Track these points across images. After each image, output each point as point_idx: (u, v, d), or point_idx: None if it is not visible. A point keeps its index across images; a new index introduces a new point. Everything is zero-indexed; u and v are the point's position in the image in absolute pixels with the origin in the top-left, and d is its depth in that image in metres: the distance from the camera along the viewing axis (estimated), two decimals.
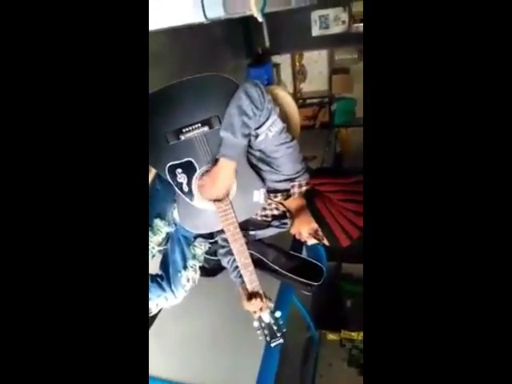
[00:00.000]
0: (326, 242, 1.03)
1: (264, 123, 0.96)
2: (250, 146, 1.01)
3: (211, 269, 1.42)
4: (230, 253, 1.08)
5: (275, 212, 1.17)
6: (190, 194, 1.01)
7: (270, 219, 1.19)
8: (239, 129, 0.91)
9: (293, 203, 1.10)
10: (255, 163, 1.04)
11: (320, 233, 1.03)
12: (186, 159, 0.99)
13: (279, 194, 1.09)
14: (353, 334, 2.54)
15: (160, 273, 1.26)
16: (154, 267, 1.28)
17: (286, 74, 4.02)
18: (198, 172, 1.00)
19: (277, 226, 1.19)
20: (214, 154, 0.99)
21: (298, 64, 4.01)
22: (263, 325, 1.06)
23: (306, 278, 1.34)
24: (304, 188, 1.06)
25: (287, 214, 1.13)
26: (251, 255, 1.07)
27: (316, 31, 3.23)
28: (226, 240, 1.05)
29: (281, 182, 1.06)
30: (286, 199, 1.09)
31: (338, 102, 4.03)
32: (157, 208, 1.15)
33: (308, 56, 3.98)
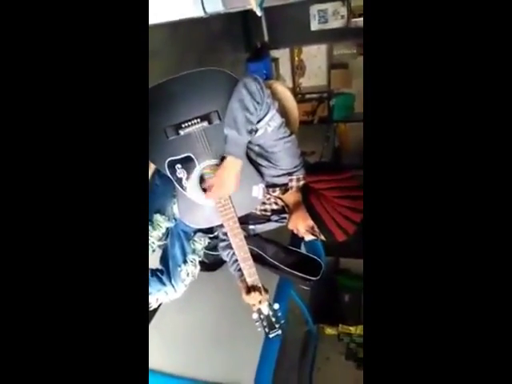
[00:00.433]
0: (322, 237, 1.05)
1: (263, 118, 0.96)
2: (249, 141, 1.01)
3: (211, 263, 1.43)
4: (229, 246, 1.09)
5: (274, 206, 1.18)
6: (189, 189, 1.01)
7: (269, 213, 1.20)
8: (243, 125, 0.91)
9: (290, 198, 1.10)
10: (254, 158, 1.05)
11: (316, 229, 1.04)
12: (185, 154, 0.99)
13: (278, 189, 1.09)
14: (350, 328, 2.56)
15: (160, 267, 1.26)
16: (154, 262, 1.29)
17: (284, 68, 3.99)
18: (199, 170, 1.00)
19: (276, 221, 1.20)
20: (213, 149, 0.99)
21: (296, 59, 3.99)
22: (262, 317, 1.08)
23: (305, 273, 1.36)
24: (302, 182, 1.07)
25: (286, 209, 1.13)
26: (250, 250, 1.08)
27: (315, 25, 3.21)
28: (226, 234, 1.06)
29: (279, 176, 1.06)
30: (284, 193, 1.10)
31: (337, 97, 4.02)
32: (156, 203, 1.15)
33: (307, 51, 3.95)
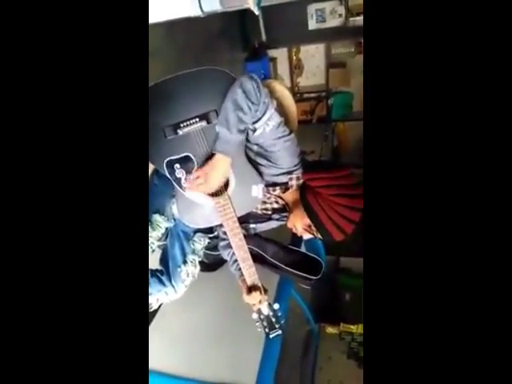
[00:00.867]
0: (319, 236, 1.04)
1: (261, 117, 0.96)
2: (247, 140, 1.01)
3: (211, 263, 1.43)
4: (230, 246, 1.08)
5: (275, 205, 1.17)
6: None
7: (270, 212, 1.20)
8: (235, 124, 0.91)
9: (289, 196, 1.10)
10: (253, 158, 1.04)
11: (313, 228, 1.03)
12: (183, 154, 0.99)
13: (278, 188, 1.09)
14: (352, 327, 2.56)
15: (160, 268, 1.26)
16: (153, 262, 1.28)
17: (282, 68, 3.99)
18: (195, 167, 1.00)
19: (277, 219, 1.20)
20: (211, 148, 0.98)
21: (294, 58, 3.99)
22: (262, 317, 1.07)
23: (305, 272, 1.35)
24: (302, 180, 1.07)
25: (287, 207, 1.13)
26: (250, 250, 1.07)
27: (313, 25, 3.21)
28: (226, 233, 1.05)
29: (279, 175, 1.06)
30: (284, 192, 1.10)
31: (335, 96, 4.02)
32: (156, 203, 1.15)
33: (305, 50, 3.95)
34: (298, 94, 4.10)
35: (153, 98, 0.94)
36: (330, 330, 2.63)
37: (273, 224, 1.23)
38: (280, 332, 1.08)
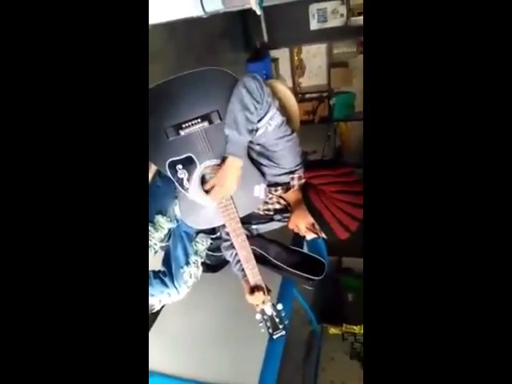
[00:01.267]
0: (323, 235, 1.03)
1: (263, 117, 0.95)
2: (250, 141, 1.00)
3: (213, 264, 1.42)
4: (232, 246, 1.08)
5: (277, 206, 1.17)
6: (190, 190, 1.01)
7: (272, 213, 1.19)
8: (243, 125, 0.91)
9: (291, 196, 1.09)
10: (255, 158, 1.04)
11: (316, 226, 1.02)
12: (186, 155, 0.98)
13: (280, 188, 1.08)
14: (354, 327, 2.55)
15: (162, 269, 1.26)
16: (156, 263, 1.28)
17: (284, 68, 3.99)
18: (200, 170, 0.99)
19: (279, 220, 1.19)
20: (214, 149, 0.98)
21: (296, 58, 3.99)
22: (265, 317, 1.07)
23: (308, 273, 1.34)
24: (304, 180, 1.06)
25: (289, 208, 1.13)
26: (253, 250, 1.07)
27: (314, 25, 3.21)
28: (228, 234, 1.05)
29: (281, 175, 1.05)
30: (286, 192, 1.09)
31: (337, 96, 4.01)
32: (158, 204, 1.14)
33: (306, 50, 3.95)
34: (299, 95, 4.10)
35: (155, 98, 0.94)
36: (333, 330, 2.61)
37: (275, 225, 1.22)
38: (284, 332, 1.07)
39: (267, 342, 1.42)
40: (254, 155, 1.04)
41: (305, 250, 1.53)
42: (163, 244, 1.24)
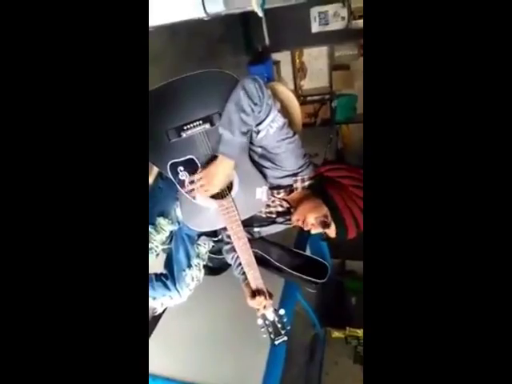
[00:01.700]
0: (332, 230, 0.99)
1: (264, 119, 0.95)
2: (251, 142, 1.00)
3: (215, 267, 1.42)
4: (234, 249, 1.07)
5: (279, 209, 1.16)
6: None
7: (274, 216, 1.18)
8: (237, 126, 0.90)
9: (295, 197, 1.08)
10: (257, 160, 1.03)
11: (330, 219, 0.98)
12: (187, 157, 0.98)
13: (282, 190, 1.08)
14: (358, 331, 2.53)
15: (164, 272, 1.25)
16: (158, 266, 1.27)
17: (286, 71, 4.00)
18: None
19: (281, 223, 1.18)
20: (215, 151, 0.98)
21: (298, 61, 4.00)
22: (267, 322, 1.06)
23: (311, 276, 1.33)
24: (307, 183, 1.05)
25: (291, 210, 1.11)
26: (255, 254, 1.06)
27: (316, 28, 3.21)
28: (230, 236, 1.04)
29: (283, 177, 1.05)
30: (289, 195, 1.08)
31: (339, 98, 4.01)
32: (160, 206, 1.14)
33: (308, 53, 3.96)
34: (301, 97, 4.11)
35: (156, 100, 0.93)
36: (336, 334, 2.60)
37: (277, 227, 1.21)
38: (286, 338, 1.06)
39: (270, 346, 1.41)
40: (256, 157, 1.03)
41: (307, 252, 1.52)
42: (165, 246, 1.23)
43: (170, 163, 0.98)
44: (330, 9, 3.13)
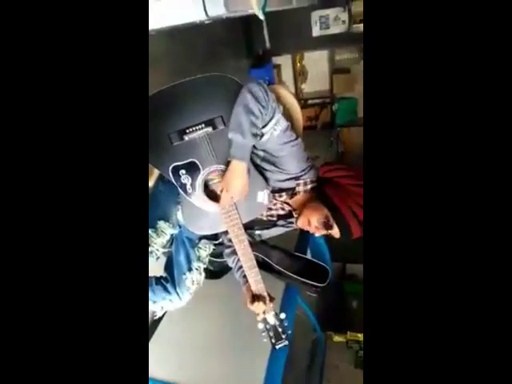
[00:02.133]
0: (336, 231, 0.98)
1: (269, 122, 0.95)
2: (254, 146, 1.00)
3: (216, 271, 1.41)
4: (235, 252, 1.07)
5: (281, 212, 1.16)
6: (193, 195, 1.00)
7: (275, 219, 1.18)
8: (248, 129, 0.90)
9: (298, 200, 1.07)
10: (259, 163, 1.03)
11: (331, 220, 0.97)
12: (189, 160, 0.98)
13: (284, 193, 1.07)
14: (359, 335, 2.52)
15: (165, 275, 1.24)
16: (158, 269, 1.27)
17: (286, 74, 4.02)
18: (203, 176, 0.98)
19: (283, 226, 1.18)
20: (217, 154, 0.98)
21: (298, 64, 4.01)
22: (268, 327, 1.05)
23: (312, 279, 1.33)
24: (309, 186, 1.05)
25: (293, 213, 1.11)
26: (256, 257, 1.05)
27: (316, 31, 3.22)
28: (231, 240, 1.04)
29: (285, 180, 1.04)
30: (291, 198, 1.08)
31: (340, 101, 4.02)
32: (160, 210, 1.14)
33: (309, 56, 3.97)
34: (302, 101, 4.12)
35: (159, 104, 0.94)
36: (337, 338, 2.58)
37: (278, 231, 1.21)
38: (287, 342, 1.05)
39: (270, 351, 1.40)
40: (258, 161, 1.03)
41: (308, 256, 1.51)
42: (165, 250, 1.22)
43: (171, 166, 0.97)
44: (331, 13, 3.15)
